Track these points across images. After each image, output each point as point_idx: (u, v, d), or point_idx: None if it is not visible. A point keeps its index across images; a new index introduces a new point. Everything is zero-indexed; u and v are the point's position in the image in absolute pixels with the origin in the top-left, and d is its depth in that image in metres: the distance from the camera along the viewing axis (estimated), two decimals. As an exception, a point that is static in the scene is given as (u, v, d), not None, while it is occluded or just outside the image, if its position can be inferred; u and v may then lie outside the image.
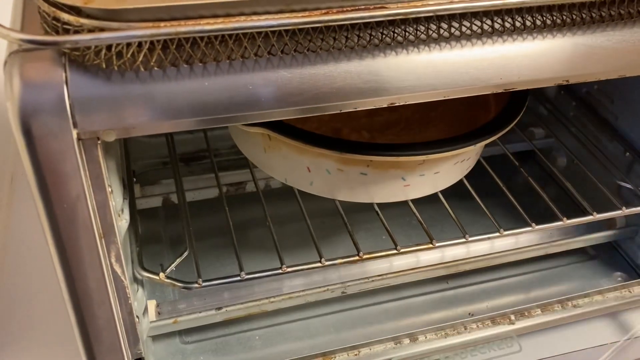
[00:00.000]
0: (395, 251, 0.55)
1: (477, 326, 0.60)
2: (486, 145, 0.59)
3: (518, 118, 0.57)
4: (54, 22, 0.34)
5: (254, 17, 0.35)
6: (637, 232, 0.69)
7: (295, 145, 0.53)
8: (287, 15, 0.35)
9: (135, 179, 0.69)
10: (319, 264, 0.53)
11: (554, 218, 0.60)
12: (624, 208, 0.61)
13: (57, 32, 0.34)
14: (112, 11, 0.33)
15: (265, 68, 0.38)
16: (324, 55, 0.39)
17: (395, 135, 0.60)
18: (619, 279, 0.69)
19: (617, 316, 0.66)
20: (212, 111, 0.38)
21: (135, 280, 0.52)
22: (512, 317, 0.62)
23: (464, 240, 0.56)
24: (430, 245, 0.55)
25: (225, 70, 0.37)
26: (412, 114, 0.64)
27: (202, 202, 0.70)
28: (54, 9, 0.34)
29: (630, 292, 0.67)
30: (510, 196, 0.61)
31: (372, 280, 0.60)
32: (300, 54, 0.38)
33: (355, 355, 0.57)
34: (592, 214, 0.60)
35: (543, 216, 0.60)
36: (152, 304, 0.57)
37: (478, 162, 0.63)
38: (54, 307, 0.64)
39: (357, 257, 0.54)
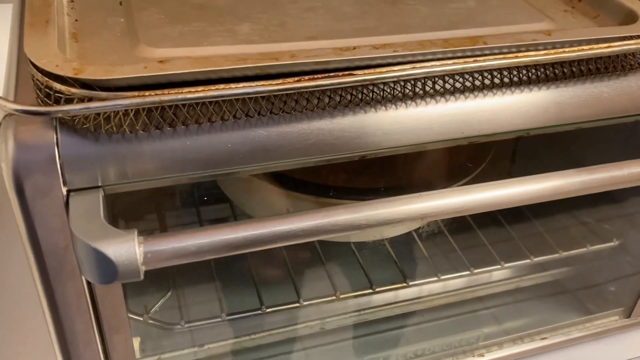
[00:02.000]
0: (370, 290, 0.57)
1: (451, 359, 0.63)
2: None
3: (483, 165, 0.61)
4: (47, 89, 0.37)
5: (232, 85, 0.38)
6: (604, 266, 0.73)
7: (275, 190, 0.57)
8: (262, 83, 0.38)
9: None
10: (297, 304, 0.56)
11: (523, 255, 0.63)
12: (588, 245, 0.65)
13: (49, 99, 0.37)
14: (100, 81, 0.36)
15: (243, 127, 0.41)
16: (297, 115, 0.42)
17: (371, 177, 0.63)
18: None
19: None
20: (195, 168, 0.41)
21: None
22: (483, 350, 0.65)
23: (435, 278, 0.59)
24: (404, 284, 0.58)
25: (206, 130, 0.40)
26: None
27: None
28: (46, 79, 0.37)
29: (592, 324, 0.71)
30: (480, 234, 0.64)
31: (350, 316, 0.63)
32: (275, 115, 0.41)
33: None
34: (558, 252, 0.63)
35: (514, 252, 0.63)
36: (136, 342, 0.59)
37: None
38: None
39: (333, 297, 0.57)
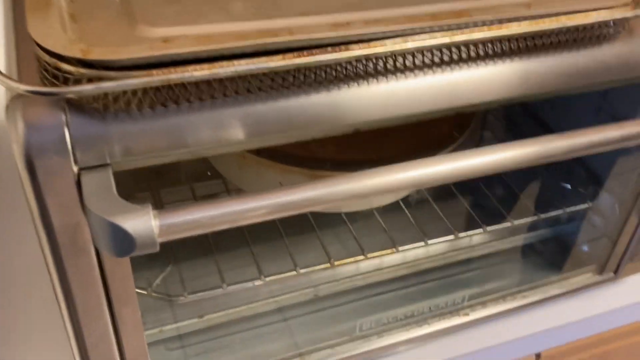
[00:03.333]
0: (362, 257, 0.60)
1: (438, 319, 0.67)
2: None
3: (465, 134, 0.64)
4: (55, 71, 0.38)
5: (236, 62, 0.39)
6: (576, 227, 0.77)
7: (266, 163, 0.58)
8: (264, 59, 0.40)
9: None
10: (294, 272, 0.58)
11: (504, 218, 0.66)
12: (564, 207, 0.69)
13: (57, 80, 0.38)
14: (108, 62, 0.38)
15: (244, 103, 0.43)
16: (295, 90, 0.44)
17: (359, 149, 0.65)
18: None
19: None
20: (198, 143, 0.42)
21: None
22: (468, 310, 0.68)
23: (422, 243, 0.62)
24: (394, 250, 0.61)
25: (208, 107, 0.42)
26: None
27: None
28: (55, 60, 0.38)
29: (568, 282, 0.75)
30: (463, 201, 0.67)
31: (342, 283, 0.66)
32: (274, 90, 0.43)
33: (330, 351, 0.62)
34: (537, 215, 0.67)
35: (494, 215, 0.66)
36: (137, 316, 0.61)
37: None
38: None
39: (328, 265, 0.59)
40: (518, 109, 0.83)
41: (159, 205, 0.63)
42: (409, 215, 0.65)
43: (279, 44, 0.41)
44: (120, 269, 0.46)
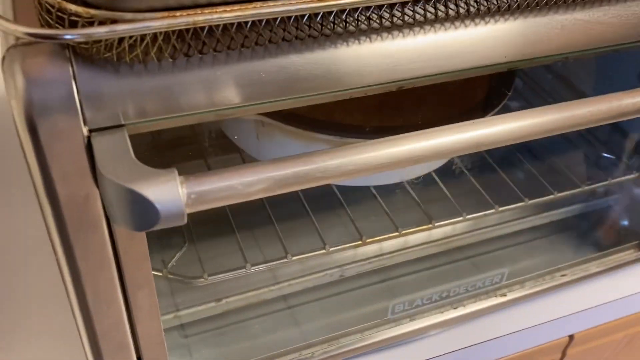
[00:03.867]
0: (397, 233, 0.55)
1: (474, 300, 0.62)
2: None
3: (503, 102, 0.58)
4: (59, 12, 0.32)
5: (271, 3, 0.34)
6: (617, 201, 0.72)
7: (289, 130, 0.53)
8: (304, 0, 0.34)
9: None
10: (324, 251, 0.53)
11: (543, 192, 0.61)
12: (609, 179, 0.64)
13: (62, 25, 0.32)
14: (121, 1, 0.32)
15: (277, 55, 0.37)
16: (334, 39, 0.38)
17: (387, 117, 0.60)
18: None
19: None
20: (226, 101, 0.37)
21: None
22: (505, 290, 0.63)
23: (461, 218, 0.57)
24: (430, 226, 0.56)
25: (236, 58, 0.36)
26: (403, 93, 0.64)
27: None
28: (59, 0, 0.32)
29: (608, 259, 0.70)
30: (501, 173, 0.62)
31: (371, 262, 0.61)
32: (311, 39, 0.37)
33: (359, 336, 0.57)
34: (580, 186, 0.61)
35: (534, 188, 0.61)
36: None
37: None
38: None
39: (359, 242, 0.54)
40: (554, 80, 0.78)
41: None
42: (444, 188, 0.59)
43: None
44: (136, 246, 0.40)
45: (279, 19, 0.35)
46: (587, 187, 0.61)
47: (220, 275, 0.50)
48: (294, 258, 0.51)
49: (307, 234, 0.56)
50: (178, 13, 0.32)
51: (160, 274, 0.49)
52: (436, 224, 0.55)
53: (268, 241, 0.56)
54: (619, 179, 0.64)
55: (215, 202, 0.33)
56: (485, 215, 0.59)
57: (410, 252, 0.63)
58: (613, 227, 0.72)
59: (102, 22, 0.32)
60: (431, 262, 0.66)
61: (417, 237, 0.62)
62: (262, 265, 0.51)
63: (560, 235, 0.72)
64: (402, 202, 0.66)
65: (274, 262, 0.51)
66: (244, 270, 0.50)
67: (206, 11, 0.32)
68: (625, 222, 0.71)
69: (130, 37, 0.32)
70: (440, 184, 0.59)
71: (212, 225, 0.65)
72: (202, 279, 0.50)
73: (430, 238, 0.62)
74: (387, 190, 0.58)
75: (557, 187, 0.61)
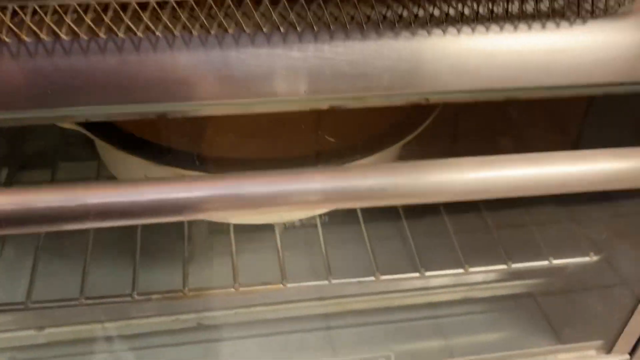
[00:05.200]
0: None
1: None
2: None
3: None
4: None
5: None
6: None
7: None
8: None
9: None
10: (181, 294, 0.44)
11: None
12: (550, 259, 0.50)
13: None
14: None
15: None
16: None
17: (264, 143, 0.49)
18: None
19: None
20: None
21: None
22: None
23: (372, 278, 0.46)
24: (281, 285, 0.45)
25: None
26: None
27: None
28: None
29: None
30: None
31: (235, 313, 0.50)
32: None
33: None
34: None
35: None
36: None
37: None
38: None
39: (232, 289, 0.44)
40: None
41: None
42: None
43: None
44: None
45: None
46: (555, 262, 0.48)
47: (45, 304, 0.43)
48: (138, 297, 0.43)
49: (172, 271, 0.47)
50: None
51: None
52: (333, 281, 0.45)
53: (121, 270, 0.47)
54: (570, 260, 0.50)
55: None
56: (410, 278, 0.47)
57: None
58: (573, 315, 0.57)
59: None
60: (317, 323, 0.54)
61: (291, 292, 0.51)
62: (99, 300, 0.43)
63: (508, 312, 0.58)
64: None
65: (115, 298, 0.43)
66: (76, 302, 0.42)
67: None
68: (591, 313, 0.56)
69: None
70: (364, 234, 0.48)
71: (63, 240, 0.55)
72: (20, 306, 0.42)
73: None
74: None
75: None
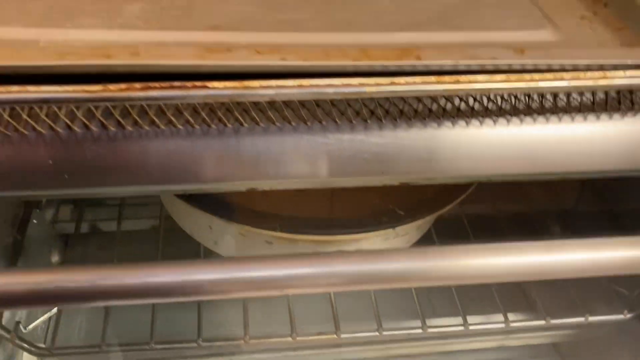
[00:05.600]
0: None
1: None
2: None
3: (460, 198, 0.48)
4: None
5: (30, 88, 0.28)
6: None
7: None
8: (68, 88, 0.29)
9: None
10: (194, 344, 0.46)
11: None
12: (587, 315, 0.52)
13: None
14: None
15: (66, 140, 0.32)
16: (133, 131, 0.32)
17: (309, 203, 0.52)
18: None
19: None
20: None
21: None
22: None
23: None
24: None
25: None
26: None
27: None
28: None
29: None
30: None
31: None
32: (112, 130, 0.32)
33: None
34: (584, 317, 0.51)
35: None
36: None
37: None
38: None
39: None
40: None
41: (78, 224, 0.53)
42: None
43: (102, 67, 0.30)
44: None
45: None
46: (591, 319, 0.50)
47: (70, 351, 0.45)
48: (158, 346, 0.45)
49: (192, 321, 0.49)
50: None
51: (8, 337, 0.45)
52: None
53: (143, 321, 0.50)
54: (601, 318, 0.52)
55: None
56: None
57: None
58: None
59: None
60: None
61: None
62: (123, 347, 0.46)
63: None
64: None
65: (137, 346, 0.46)
66: (97, 349, 0.45)
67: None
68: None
69: None
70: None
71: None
72: (45, 351, 0.45)
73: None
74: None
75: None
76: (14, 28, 0.35)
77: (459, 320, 0.51)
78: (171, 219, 0.55)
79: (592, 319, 0.52)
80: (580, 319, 0.52)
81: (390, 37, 0.36)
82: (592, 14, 0.43)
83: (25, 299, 0.30)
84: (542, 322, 0.51)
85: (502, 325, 0.51)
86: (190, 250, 0.52)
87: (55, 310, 0.47)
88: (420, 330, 0.50)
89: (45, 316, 0.47)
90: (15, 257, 0.49)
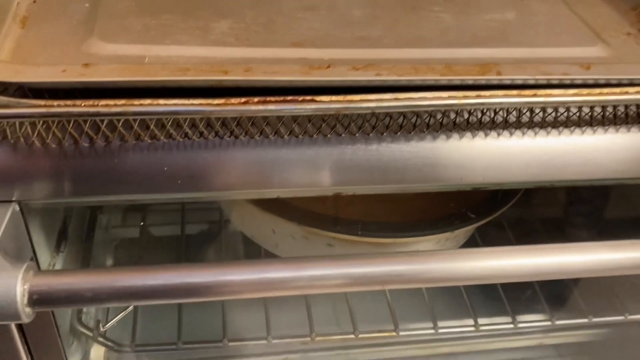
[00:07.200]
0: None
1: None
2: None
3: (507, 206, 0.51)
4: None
5: (161, 102, 0.31)
6: None
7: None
8: (198, 102, 0.32)
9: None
10: (264, 342, 0.49)
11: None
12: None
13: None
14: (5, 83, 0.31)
15: (181, 149, 0.35)
16: (245, 141, 0.35)
17: (369, 207, 0.55)
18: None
19: None
20: (120, 191, 0.35)
21: (73, 332, 0.50)
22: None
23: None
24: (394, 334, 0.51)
25: (130, 148, 0.34)
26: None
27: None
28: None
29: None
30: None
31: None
32: (220, 139, 0.35)
33: None
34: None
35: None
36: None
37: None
38: None
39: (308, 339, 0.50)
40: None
41: (145, 230, 0.56)
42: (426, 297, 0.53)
43: (226, 81, 0.33)
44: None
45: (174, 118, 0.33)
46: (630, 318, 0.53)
47: (148, 347, 0.48)
48: (230, 343, 0.48)
49: (253, 319, 0.52)
50: (55, 103, 0.31)
51: (90, 335, 0.48)
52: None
53: (212, 319, 0.52)
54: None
55: (63, 305, 0.31)
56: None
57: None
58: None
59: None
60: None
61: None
62: (195, 344, 0.48)
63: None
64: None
65: (208, 344, 0.48)
66: (174, 347, 0.48)
67: (87, 103, 0.31)
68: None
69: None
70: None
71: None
72: (128, 348, 0.48)
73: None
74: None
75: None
76: (121, 45, 0.37)
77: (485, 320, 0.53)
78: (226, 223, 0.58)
79: (631, 317, 0.55)
80: (620, 317, 0.55)
81: (468, 53, 0.39)
82: (637, 31, 0.46)
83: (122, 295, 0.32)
84: (584, 320, 0.54)
85: (549, 322, 0.53)
86: (250, 253, 0.55)
87: (131, 308, 0.50)
88: (432, 331, 0.53)
89: (121, 315, 0.49)
90: (85, 260, 0.52)
